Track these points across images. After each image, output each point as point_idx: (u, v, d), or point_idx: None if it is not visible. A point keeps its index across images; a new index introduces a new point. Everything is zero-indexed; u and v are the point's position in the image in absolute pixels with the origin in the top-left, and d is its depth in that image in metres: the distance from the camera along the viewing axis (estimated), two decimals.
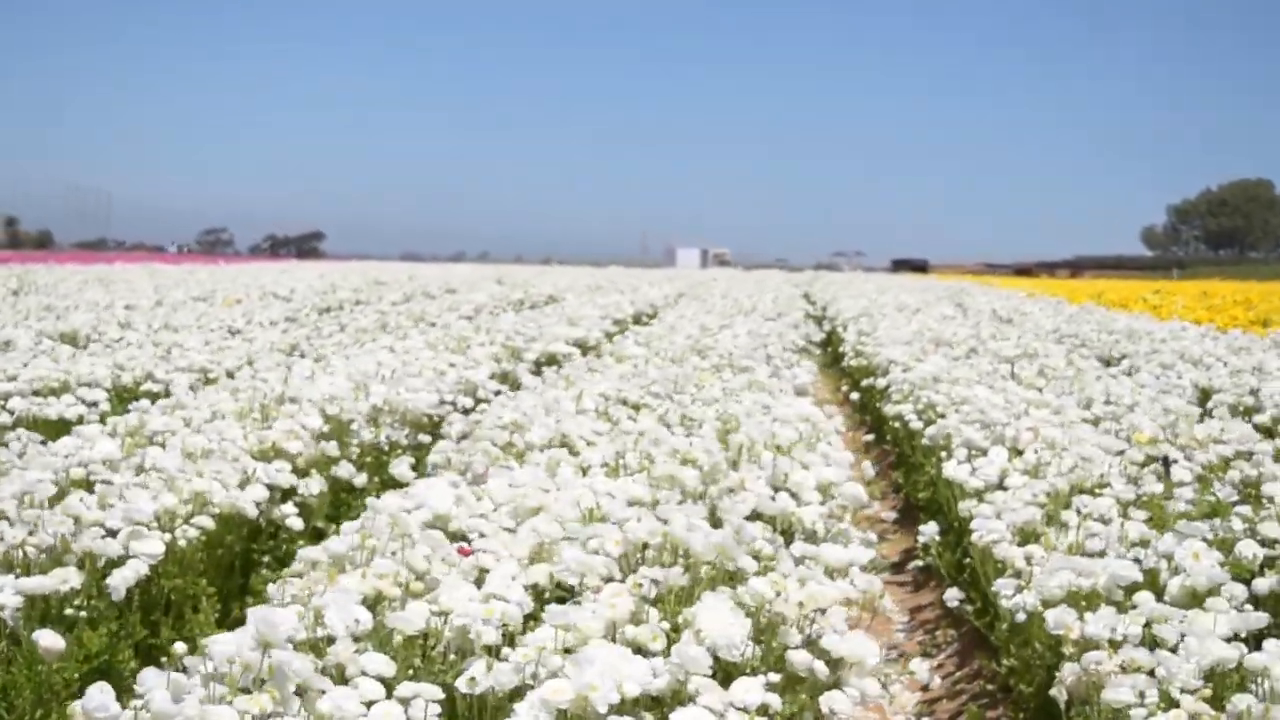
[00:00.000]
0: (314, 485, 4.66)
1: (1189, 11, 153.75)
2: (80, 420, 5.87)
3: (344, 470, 4.97)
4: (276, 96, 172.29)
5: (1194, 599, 3.45)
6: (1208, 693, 2.78)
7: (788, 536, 3.81)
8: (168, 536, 3.69)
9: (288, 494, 4.58)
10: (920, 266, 66.07)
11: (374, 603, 2.77)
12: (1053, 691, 3.20)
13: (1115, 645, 3.14)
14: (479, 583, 2.95)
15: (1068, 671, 3.10)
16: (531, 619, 2.80)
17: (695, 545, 3.05)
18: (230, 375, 7.25)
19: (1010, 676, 3.85)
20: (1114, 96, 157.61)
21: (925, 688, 4.38)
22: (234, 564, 4.29)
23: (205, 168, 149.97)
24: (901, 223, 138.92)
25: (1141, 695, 2.86)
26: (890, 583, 5.64)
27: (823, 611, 3.05)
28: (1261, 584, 3.70)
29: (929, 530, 4.61)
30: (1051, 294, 18.36)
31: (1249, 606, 3.40)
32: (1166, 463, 4.22)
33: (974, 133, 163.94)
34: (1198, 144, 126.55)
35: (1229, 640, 3.12)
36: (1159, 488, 4.47)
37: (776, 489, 4.01)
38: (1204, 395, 7.16)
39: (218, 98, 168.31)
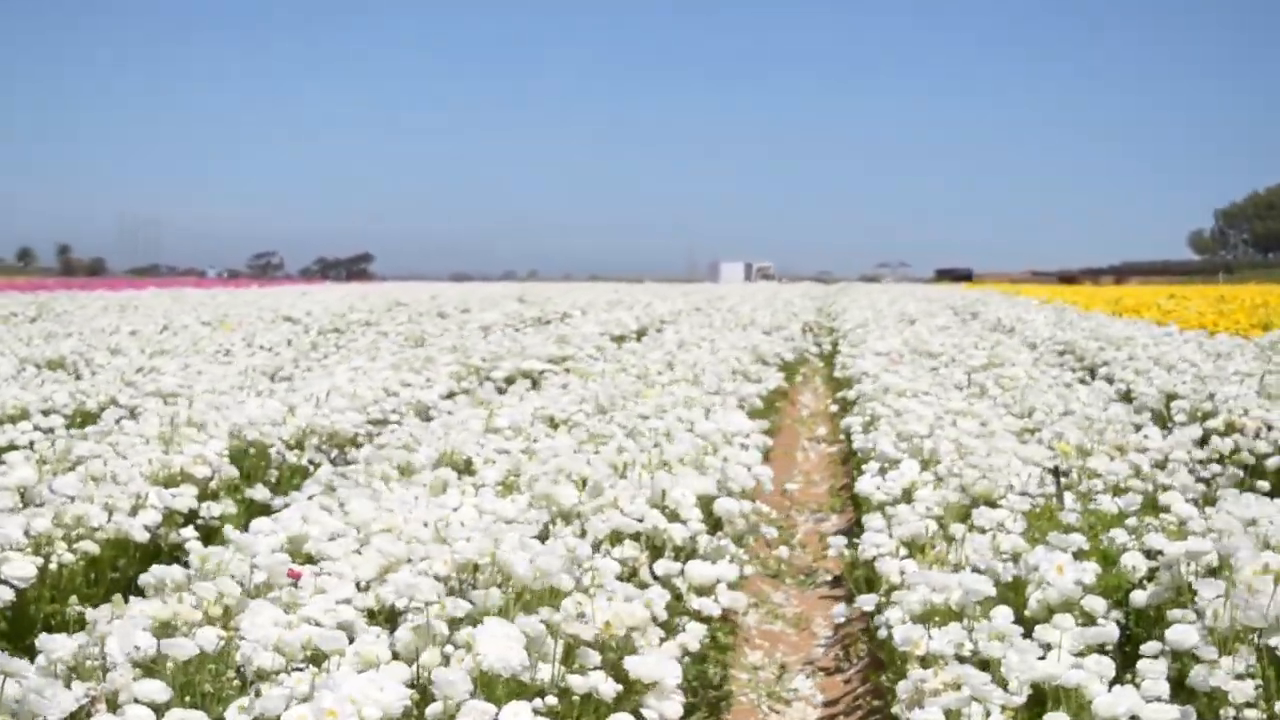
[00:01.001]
0: (217, 509, 4.67)
1: (1237, 14, 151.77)
2: (30, 446, 5.91)
3: (258, 493, 4.98)
4: (329, 121, 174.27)
5: (1051, 613, 3.38)
6: (1012, 711, 2.71)
7: (657, 553, 3.78)
8: (39, 560, 3.71)
9: (191, 518, 4.59)
10: (965, 276, 65.61)
11: (169, 629, 2.76)
12: (894, 709, 3.15)
13: (962, 661, 3.09)
14: (289, 608, 2.93)
15: (902, 689, 3.05)
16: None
17: (517, 568, 3.01)
18: (190, 401, 7.29)
19: (890, 693, 3.79)
20: (1160, 101, 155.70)
21: (828, 704, 4.35)
22: (127, 587, 4.31)
23: (258, 193, 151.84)
24: (950, 233, 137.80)
25: (959, 714, 2.80)
26: (826, 596, 5.60)
27: (643, 630, 3.01)
28: (1139, 596, 3.63)
29: (836, 544, 4.55)
30: (1069, 301, 18.13)
31: (1112, 620, 3.33)
32: (1057, 474, 4.14)
33: (1022, 141, 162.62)
34: (1245, 147, 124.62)
35: (1081, 654, 3.07)
36: (1069, 497, 4.40)
37: (656, 506, 3.97)
38: (1169, 400, 7.06)
39: (270, 123, 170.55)
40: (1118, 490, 4.48)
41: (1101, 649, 3.05)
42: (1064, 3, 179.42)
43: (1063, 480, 4.14)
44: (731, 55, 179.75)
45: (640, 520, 3.80)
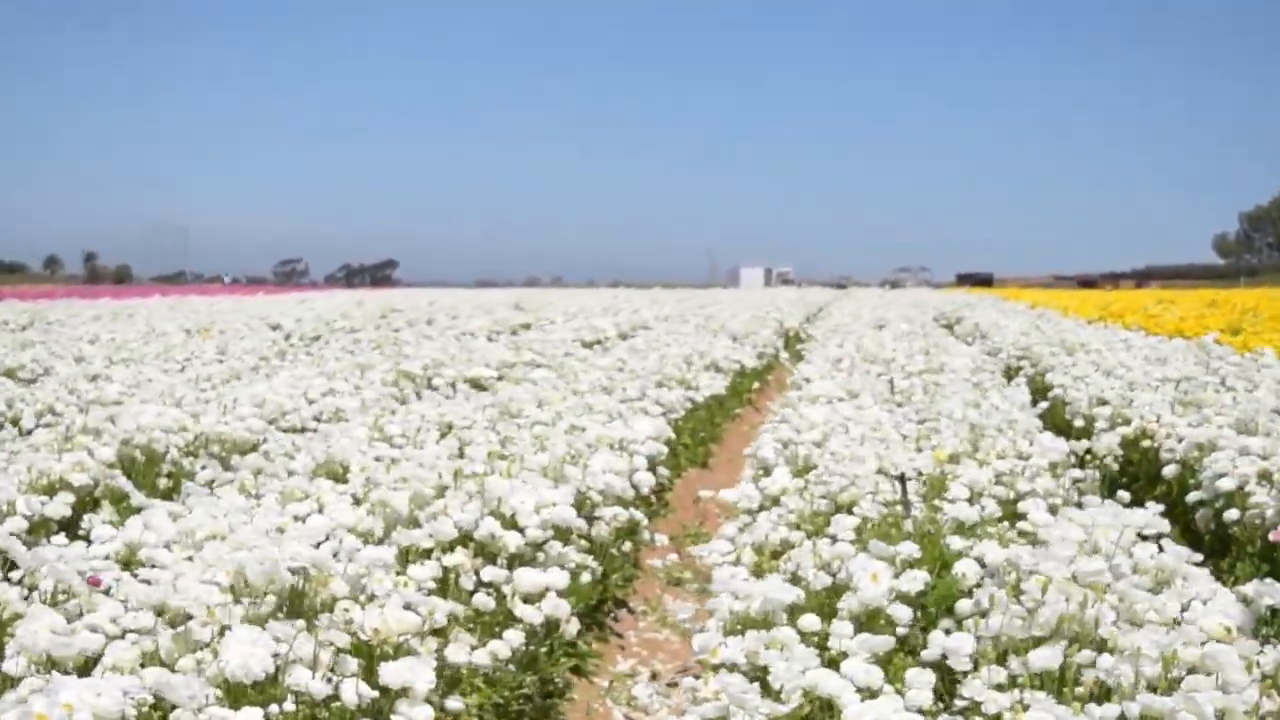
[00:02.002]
0: (99, 517, 4.73)
1: (1263, 17, 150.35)
2: None
3: (143, 501, 5.03)
4: (358, 129, 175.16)
5: (859, 621, 3.40)
6: None
7: (490, 559, 3.82)
8: None
9: (68, 525, 4.64)
10: (985, 280, 65.46)
11: None
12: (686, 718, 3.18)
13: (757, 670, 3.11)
14: (77, 615, 2.98)
15: (683, 696, 3.08)
16: None
17: (252, 575, 3.02)
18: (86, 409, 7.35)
19: None
20: (1186, 104, 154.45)
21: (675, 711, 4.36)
22: None
23: (287, 199, 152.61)
24: (974, 236, 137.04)
25: None
26: None
27: (422, 636, 3.05)
28: (965, 605, 3.63)
29: (697, 552, 4.58)
30: (1061, 305, 18.05)
31: (942, 630, 3.34)
32: (903, 480, 4.15)
33: (1047, 145, 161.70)
34: (1271, 150, 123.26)
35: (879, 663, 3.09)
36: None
37: (494, 514, 4.00)
38: (1099, 405, 7.06)
39: (300, 131, 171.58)
40: (975, 497, 4.48)
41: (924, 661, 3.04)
42: (1088, 7, 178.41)
43: (909, 486, 4.13)
44: (758, 61, 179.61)
45: (474, 527, 3.84)
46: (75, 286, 47.53)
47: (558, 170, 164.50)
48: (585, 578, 4.04)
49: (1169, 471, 5.65)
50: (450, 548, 3.81)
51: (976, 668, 2.98)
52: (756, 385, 10.89)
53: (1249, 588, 3.08)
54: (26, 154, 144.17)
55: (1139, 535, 3.80)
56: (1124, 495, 4.59)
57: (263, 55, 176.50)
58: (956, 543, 3.90)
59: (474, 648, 3.44)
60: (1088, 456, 5.90)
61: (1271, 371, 7.27)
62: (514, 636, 3.54)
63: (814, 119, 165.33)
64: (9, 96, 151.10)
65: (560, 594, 3.75)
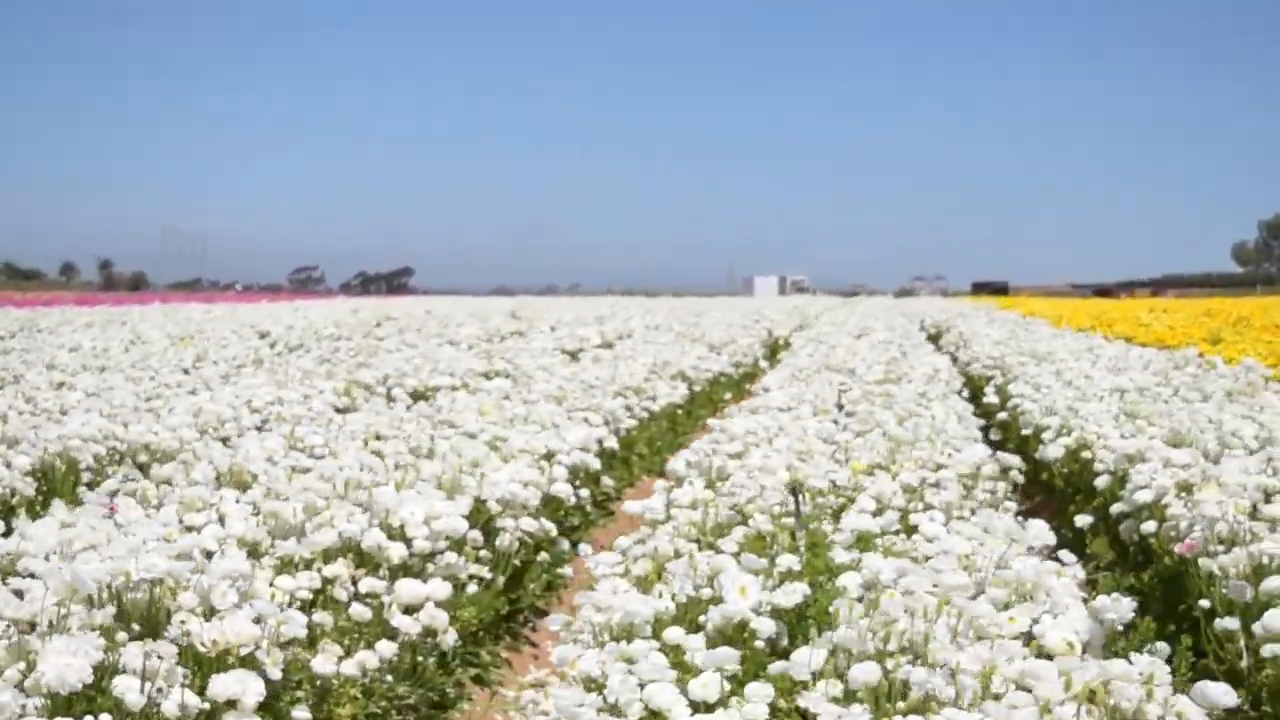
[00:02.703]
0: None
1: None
2: None
3: (59, 510, 5.03)
4: (377, 136, 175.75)
5: (723, 634, 3.37)
6: None
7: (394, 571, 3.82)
8: None
9: None
10: (1000, 289, 65.53)
11: None
12: None
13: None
14: None
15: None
16: None
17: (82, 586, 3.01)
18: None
19: None
20: (1205, 112, 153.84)
21: None
22: None
23: (304, 207, 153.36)
24: (993, 246, 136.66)
25: None
26: None
27: (285, 645, 3.05)
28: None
29: (589, 564, 4.56)
30: (1054, 315, 17.94)
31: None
32: (795, 492, 4.12)
33: (1065, 152, 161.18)
34: None
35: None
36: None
37: (381, 525, 3.99)
38: (1049, 414, 7.01)
39: (318, 138, 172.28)
40: (882, 509, 4.45)
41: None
42: (1105, 14, 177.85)
43: (800, 498, 4.11)
44: (784, 71, 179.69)
45: (359, 538, 3.84)
46: (81, 294, 47.81)
47: (578, 178, 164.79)
48: (473, 588, 4.02)
49: (1101, 483, 5.59)
50: (333, 558, 3.81)
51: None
52: (729, 395, 10.86)
53: (1098, 602, 3.05)
54: (46, 162, 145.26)
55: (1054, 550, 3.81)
56: (1010, 507, 4.59)
57: (283, 63, 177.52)
58: (842, 555, 3.88)
59: (341, 658, 3.43)
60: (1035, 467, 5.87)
61: (1224, 382, 7.20)
62: (386, 647, 3.53)
63: (838, 128, 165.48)
64: (30, 105, 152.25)
65: (441, 604, 3.74)
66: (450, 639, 3.70)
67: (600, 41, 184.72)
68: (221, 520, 4.14)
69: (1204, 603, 3.95)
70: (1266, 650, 3.21)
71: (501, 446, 5.39)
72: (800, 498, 4.10)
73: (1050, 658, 2.81)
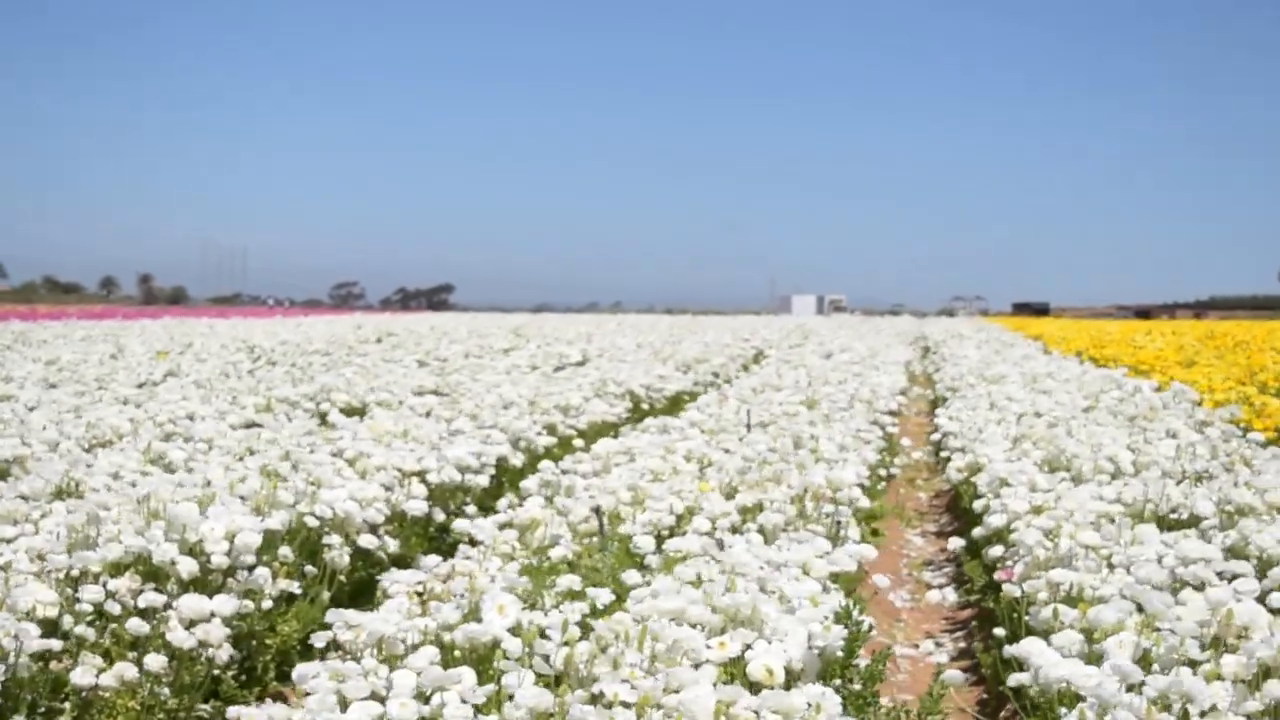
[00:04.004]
0: None
1: None
2: None
3: None
4: (420, 151, 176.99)
5: (477, 653, 3.34)
6: None
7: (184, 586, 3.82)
8: None
9: None
10: (1042, 310, 65.66)
11: None
12: None
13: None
14: None
15: None
16: None
17: None
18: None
19: None
20: (1255, 131, 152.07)
21: None
22: None
23: (345, 223, 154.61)
24: (1039, 267, 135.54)
25: None
26: None
27: None
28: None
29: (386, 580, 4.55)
30: (1058, 337, 17.73)
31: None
32: (598, 511, 4.07)
33: (1112, 173, 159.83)
34: None
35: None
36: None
37: (180, 539, 3.99)
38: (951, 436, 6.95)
39: (360, 156, 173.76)
40: (713, 530, 4.40)
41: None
42: (1154, 36, 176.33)
43: (603, 519, 4.06)
44: (831, 93, 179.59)
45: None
46: (109, 306, 48.49)
47: (623, 197, 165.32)
48: (266, 604, 4.01)
49: (978, 505, 5.52)
50: (122, 572, 3.81)
51: None
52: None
53: (812, 629, 2.98)
54: (91, 177, 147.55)
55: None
56: (854, 531, 4.52)
57: (328, 82, 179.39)
58: (633, 576, 3.83)
59: (101, 670, 3.43)
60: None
61: (1147, 399, 7.10)
62: (154, 660, 3.52)
63: (886, 149, 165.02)
64: (74, 120, 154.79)
65: (248, 619, 3.75)
66: (224, 654, 3.67)
67: (651, 62, 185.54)
68: (37, 530, 4.19)
69: (998, 630, 3.89)
70: (1012, 680, 3.14)
71: (362, 462, 5.37)
72: (604, 519, 4.05)
73: (760, 687, 2.77)
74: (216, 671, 3.78)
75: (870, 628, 3.26)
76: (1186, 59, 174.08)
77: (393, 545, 4.86)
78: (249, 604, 3.97)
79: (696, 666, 2.84)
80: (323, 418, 8.24)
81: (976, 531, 5.08)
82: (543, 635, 3.01)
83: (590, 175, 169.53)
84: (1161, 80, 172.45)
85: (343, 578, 4.58)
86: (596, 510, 4.11)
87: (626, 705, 2.54)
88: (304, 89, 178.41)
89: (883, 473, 7.96)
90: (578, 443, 7.27)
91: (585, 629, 3.07)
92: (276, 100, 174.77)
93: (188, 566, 3.88)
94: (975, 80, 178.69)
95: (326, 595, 4.47)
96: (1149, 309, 63.86)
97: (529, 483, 5.15)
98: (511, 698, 2.68)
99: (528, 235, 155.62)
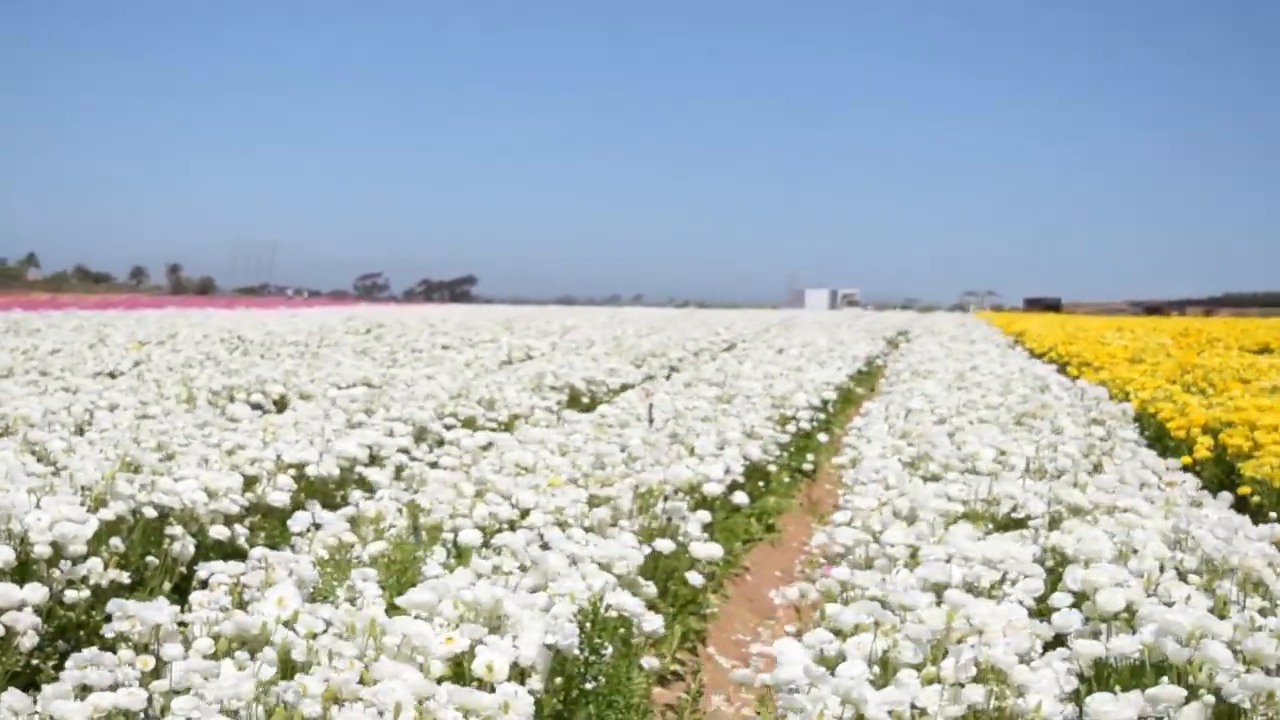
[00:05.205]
0: None
1: None
2: None
3: None
4: (448, 144, 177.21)
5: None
6: None
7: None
8: None
9: None
10: (1053, 305, 65.48)
11: None
12: None
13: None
14: None
15: None
16: None
17: None
18: None
19: None
20: (1267, 128, 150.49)
21: None
22: None
23: (371, 215, 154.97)
24: (1054, 264, 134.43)
25: None
26: None
27: None
28: None
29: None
30: (1034, 333, 17.70)
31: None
32: (412, 505, 4.16)
33: (1126, 169, 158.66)
34: None
35: None
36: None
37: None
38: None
39: (386, 147, 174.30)
40: (563, 525, 4.47)
41: None
42: (1169, 33, 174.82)
43: (418, 511, 4.15)
44: (846, 92, 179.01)
45: None
46: (135, 295, 48.95)
47: (645, 192, 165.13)
48: (85, 594, 4.10)
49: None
50: None
51: None
52: None
53: (547, 626, 3.06)
54: (123, 168, 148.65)
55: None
56: (695, 526, 4.58)
57: (356, 76, 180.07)
58: (433, 569, 3.91)
59: None
60: None
61: (1042, 399, 7.15)
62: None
63: (901, 145, 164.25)
64: (106, 113, 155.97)
65: (39, 609, 3.84)
66: (28, 642, 3.77)
67: (677, 64, 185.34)
68: None
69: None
70: (769, 677, 3.20)
71: (238, 454, 5.47)
72: (418, 511, 4.14)
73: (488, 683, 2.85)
74: (36, 661, 3.89)
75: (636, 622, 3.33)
76: (1209, 54, 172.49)
77: (243, 538, 4.94)
78: (73, 594, 4.08)
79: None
80: (256, 409, 8.38)
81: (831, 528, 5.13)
82: (287, 625, 3.10)
83: (615, 173, 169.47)
84: (1179, 77, 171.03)
85: (185, 569, 4.67)
86: (411, 504, 4.19)
87: (313, 697, 2.63)
88: (334, 87, 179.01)
89: (807, 468, 8.04)
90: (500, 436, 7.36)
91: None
92: (308, 97, 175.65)
93: (4, 555, 3.98)
94: (995, 79, 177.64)
95: (168, 586, 4.57)
96: (1159, 305, 63.57)
97: (380, 475, 5.22)
98: None
99: (553, 230, 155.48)
